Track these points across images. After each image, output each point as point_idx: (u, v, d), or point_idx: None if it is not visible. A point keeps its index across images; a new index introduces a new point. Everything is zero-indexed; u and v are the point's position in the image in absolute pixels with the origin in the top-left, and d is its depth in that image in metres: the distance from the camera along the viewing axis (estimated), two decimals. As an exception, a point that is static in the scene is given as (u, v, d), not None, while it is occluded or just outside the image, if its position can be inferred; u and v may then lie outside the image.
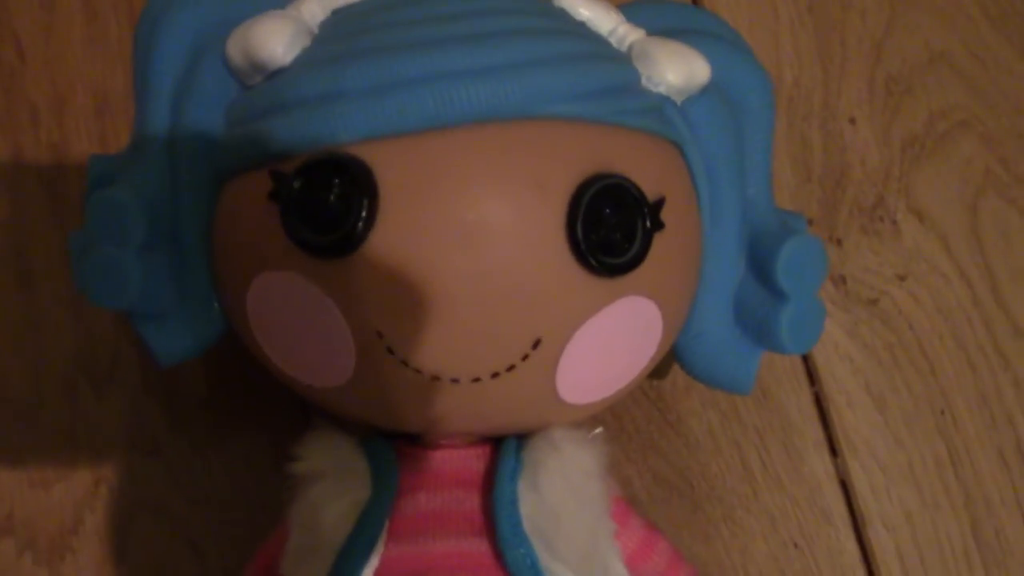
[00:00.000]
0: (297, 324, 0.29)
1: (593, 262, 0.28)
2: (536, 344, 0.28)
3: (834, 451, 0.42)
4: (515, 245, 0.27)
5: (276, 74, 0.30)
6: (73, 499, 0.39)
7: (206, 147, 0.31)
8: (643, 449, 0.41)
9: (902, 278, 0.44)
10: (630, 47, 0.32)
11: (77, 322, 0.40)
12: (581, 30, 0.32)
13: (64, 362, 0.40)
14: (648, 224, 0.29)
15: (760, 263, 0.33)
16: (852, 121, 0.46)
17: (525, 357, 0.28)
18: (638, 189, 0.29)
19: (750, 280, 0.33)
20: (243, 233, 0.30)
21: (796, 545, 0.40)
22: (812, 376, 0.43)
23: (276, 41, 0.29)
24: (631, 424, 0.41)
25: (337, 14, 0.31)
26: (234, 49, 0.30)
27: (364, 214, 0.27)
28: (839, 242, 0.44)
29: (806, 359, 0.43)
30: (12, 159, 0.42)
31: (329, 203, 0.27)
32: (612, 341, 0.30)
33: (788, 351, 0.33)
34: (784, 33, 0.47)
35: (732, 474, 0.41)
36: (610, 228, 0.28)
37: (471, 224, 0.27)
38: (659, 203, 0.29)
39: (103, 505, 0.39)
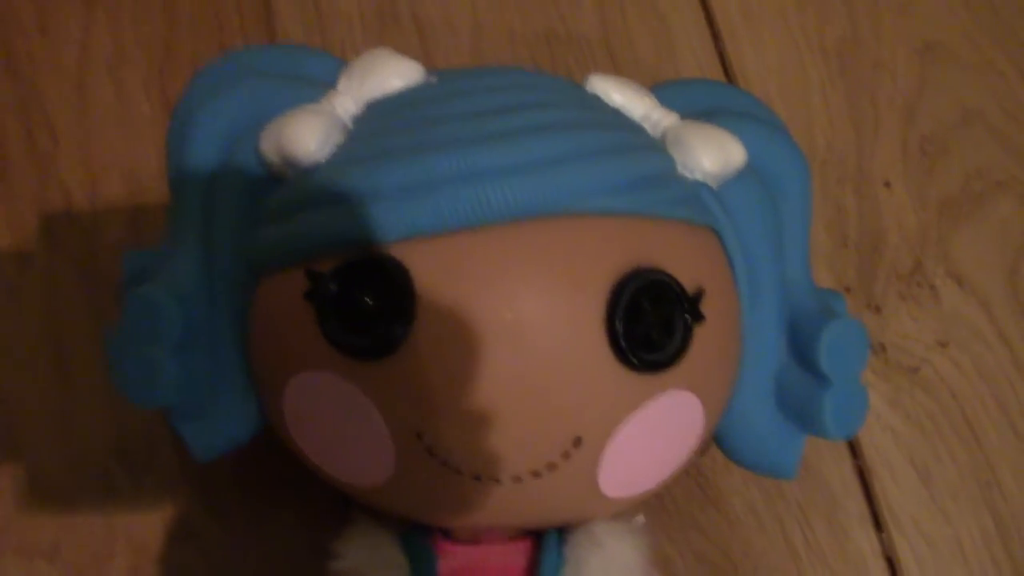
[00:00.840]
0: (335, 424, 0.29)
1: (633, 359, 0.27)
2: (577, 442, 0.28)
3: (879, 526, 0.41)
4: (554, 343, 0.27)
5: (311, 170, 0.30)
6: (111, 590, 0.38)
7: (241, 243, 0.31)
8: (684, 527, 0.40)
9: (943, 344, 0.43)
10: (664, 133, 0.32)
11: (113, 410, 0.40)
12: (615, 119, 0.32)
13: (101, 450, 0.40)
14: (688, 317, 0.28)
15: (802, 347, 0.32)
16: (887, 184, 0.46)
17: (566, 455, 0.28)
18: (677, 283, 0.28)
19: (792, 364, 0.33)
20: (279, 333, 0.30)
21: (843, 625, 0.40)
22: (854, 449, 0.42)
23: (310, 137, 0.30)
24: (671, 502, 0.41)
25: (371, 108, 0.31)
26: (268, 144, 0.30)
27: (402, 316, 0.27)
28: (878, 309, 0.44)
29: (847, 431, 0.42)
30: (46, 243, 0.42)
31: (366, 304, 0.27)
32: (654, 436, 0.29)
33: (832, 436, 0.32)
34: (815, 96, 0.47)
35: (775, 552, 0.40)
36: (650, 324, 0.28)
37: (509, 323, 0.27)
38: (698, 295, 0.29)
39: (141, 596, 0.38)
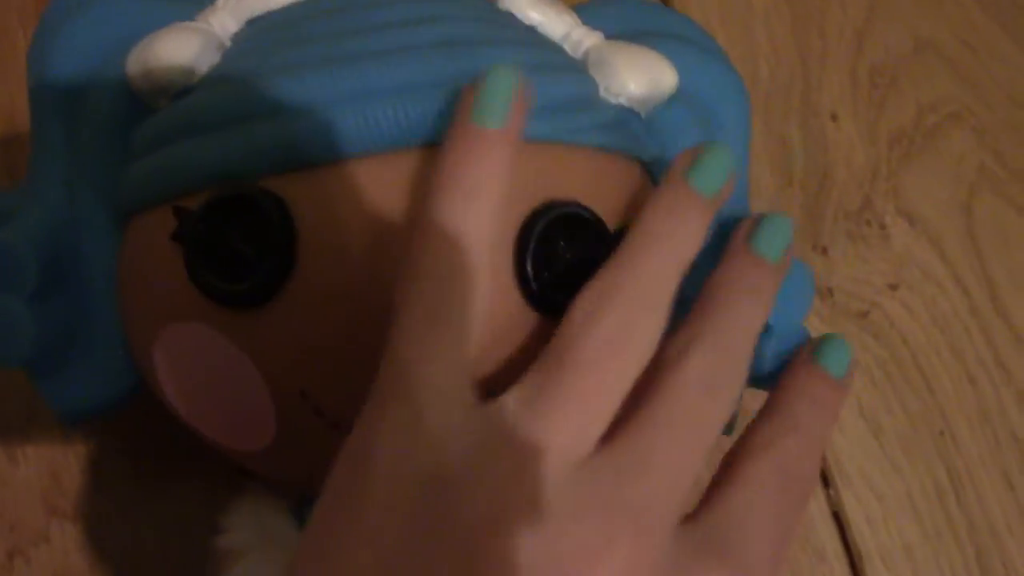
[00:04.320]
0: (209, 382, 0.25)
1: (546, 304, 0.24)
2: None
3: (826, 482, 0.38)
4: None
5: (181, 95, 0.26)
6: (-13, 573, 0.35)
7: (107, 180, 0.27)
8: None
9: (893, 287, 0.41)
10: (586, 54, 0.28)
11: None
12: (529, 37, 0.28)
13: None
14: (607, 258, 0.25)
15: None
16: (834, 118, 0.43)
17: None
18: (597, 218, 0.25)
19: None
20: (146, 279, 0.26)
21: (789, 587, 0.37)
22: (800, 399, 0.39)
23: (181, 57, 0.26)
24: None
25: (252, 25, 0.27)
26: (135, 67, 0.27)
27: (280, 259, 0.23)
28: (824, 251, 0.41)
29: (793, 381, 0.39)
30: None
31: (239, 246, 0.24)
32: None
33: (771, 387, 0.29)
34: (759, 25, 0.44)
35: (716, 512, 0.38)
36: (565, 264, 0.24)
37: None
38: (621, 233, 0.26)
39: (20, 579, 0.35)
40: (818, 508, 0.38)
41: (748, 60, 0.43)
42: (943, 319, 0.40)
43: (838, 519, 0.38)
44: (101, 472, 0.36)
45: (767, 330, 0.28)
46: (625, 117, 0.28)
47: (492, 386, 0.24)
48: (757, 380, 0.29)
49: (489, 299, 0.24)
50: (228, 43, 0.27)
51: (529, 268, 0.24)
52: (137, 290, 0.27)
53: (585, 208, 0.25)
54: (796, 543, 0.37)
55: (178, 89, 0.26)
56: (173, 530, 0.35)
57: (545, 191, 0.25)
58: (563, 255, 0.25)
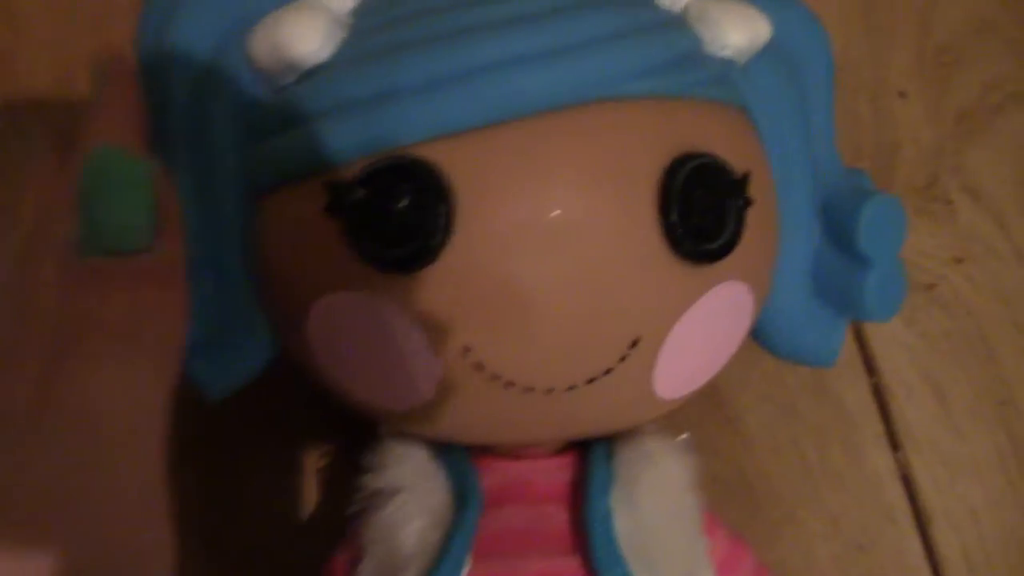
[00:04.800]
0: (371, 347, 0.26)
1: (690, 250, 0.26)
2: (634, 343, 0.26)
3: (895, 446, 0.40)
4: (605, 241, 0.25)
5: (313, 73, 0.27)
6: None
7: (236, 160, 0.28)
8: (699, 449, 0.39)
9: (959, 261, 0.42)
10: (684, 10, 0.29)
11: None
12: None
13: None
14: (739, 203, 0.27)
15: (837, 228, 0.31)
16: (902, 95, 0.44)
17: (623, 358, 0.26)
18: (728, 166, 0.26)
19: (828, 247, 0.31)
20: (296, 254, 0.27)
21: (860, 547, 0.39)
22: (870, 367, 0.41)
23: (311, 35, 0.26)
24: (685, 423, 0.39)
25: (367, 1, 0.28)
26: (260, 47, 0.27)
27: (441, 222, 0.24)
28: (905, 231, 0.42)
29: (863, 348, 0.41)
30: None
31: (399, 212, 0.25)
32: (709, 331, 0.28)
33: (875, 318, 0.31)
34: (829, 1, 0.45)
35: (792, 473, 0.39)
36: (703, 211, 0.26)
37: (556, 222, 0.25)
38: (746, 178, 0.27)
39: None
40: (887, 471, 0.39)
41: (820, 36, 0.44)
42: (1006, 292, 0.42)
43: (906, 482, 0.39)
44: (209, 426, 0.37)
45: (866, 264, 0.30)
46: (728, 69, 0.29)
47: (639, 329, 0.26)
48: (863, 313, 0.30)
49: (636, 250, 0.25)
50: (347, 19, 0.27)
51: (673, 218, 0.25)
52: (286, 264, 0.27)
53: (717, 157, 0.26)
54: (867, 503, 0.39)
55: (308, 68, 0.27)
56: (277, 485, 0.36)
57: (678, 143, 0.26)
58: (700, 202, 0.26)
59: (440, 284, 0.25)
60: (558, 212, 0.25)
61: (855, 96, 0.44)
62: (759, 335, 0.32)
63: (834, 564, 0.38)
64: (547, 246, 0.24)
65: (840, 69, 0.43)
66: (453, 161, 0.25)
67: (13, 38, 0.40)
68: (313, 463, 0.37)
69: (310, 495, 0.37)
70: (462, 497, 0.28)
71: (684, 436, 0.31)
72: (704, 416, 0.39)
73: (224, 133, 0.28)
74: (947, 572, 0.39)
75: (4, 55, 0.39)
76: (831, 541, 0.39)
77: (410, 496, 0.28)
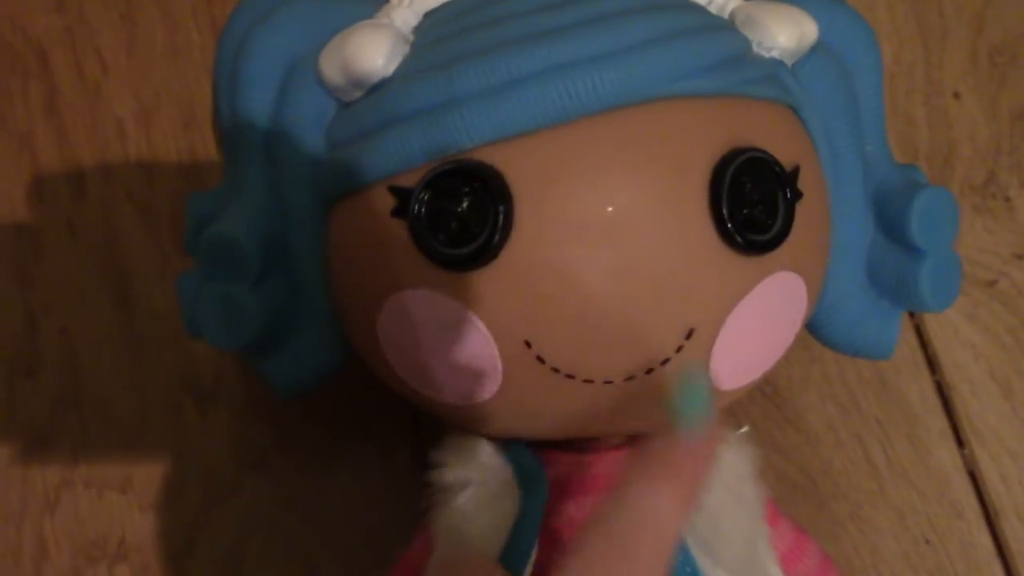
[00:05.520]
0: (437, 343, 0.28)
1: (741, 241, 0.26)
2: (690, 334, 0.27)
3: (960, 441, 0.40)
4: (659, 234, 0.26)
5: (379, 87, 0.29)
6: (184, 521, 0.38)
7: (310, 171, 0.30)
8: (763, 447, 0.39)
9: (1020, 257, 0.42)
10: (732, 14, 0.30)
11: (177, 340, 0.39)
12: (681, 1, 0.30)
13: (167, 381, 0.39)
14: (789, 195, 0.28)
15: (891, 221, 0.31)
16: (957, 96, 0.44)
17: (679, 349, 0.27)
18: (776, 160, 0.27)
19: (881, 239, 0.32)
20: (367, 255, 0.28)
21: (928, 541, 0.39)
22: (932, 364, 0.41)
23: (376, 52, 0.28)
24: (748, 422, 0.39)
25: (430, 17, 0.30)
26: (329, 65, 0.29)
27: (501, 221, 0.26)
28: (957, 222, 0.42)
29: (925, 346, 0.41)
30: (101, 176, 0.41)
31: (461, 213, 0.26)
32: (763, 321, 0.28)
33: (931, 308, 0.32)
34: (881, 6, 0.45)
35: (856, 469, 0.39)
36: (754, 203, 0.27)
37: (611, 218, 0.26)
38: (795, 172, 0.28)
39: (215, 526, 0.38)
40: (953, 465, 0.40)
41: (871, 41, 0.45)
42: (1069, 287, 0.42)
43: (973, 477, 0.39)
44: (286, 429, 0.39)
45: (920, 255, 0.31)
46: (777, 69, 0.30)
47: (694, 320, 0.27)
48: (918, 304, 0.31)
49: (689, 242, 0.26)
50: (411, 36, 0.29)
51: (725, 210, 0.26)
52: (357, 266, 0.29)
53: (765, 151, 0.27)
54: (933, 498, 0.39)
55: (374, 83, 0.29)
56: (350, 480, 0.38)
57: (729, 139, 0.27)
58: (751, 195, 0.27)
59: (501, 281, 0.26)
60: (612, 208, 0.26)
61: (909, 98, 0.44)
62: (816, 329, 0.33)
63: (902, 559, 0.39)
64: (602, 241, 0.26)
65: (894, 72, 0.45)
66: (511, 163, 0.26)
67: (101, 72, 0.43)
68: (389, 463, 0.39)
69: (387, 494, 0.38)
70: (528, 488, 0.29)
71: (744, 429, 0.31)
72: (767, 415, 0.40)
73: (299, 146, 0.30)
74: (1019, 566, 0.38)
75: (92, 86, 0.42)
76: (898, 536, 0.39)
77: (477, 489, 0.29)
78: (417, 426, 0.38)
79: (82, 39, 0.43)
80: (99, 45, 0.43)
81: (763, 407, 0.40)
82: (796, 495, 0.39)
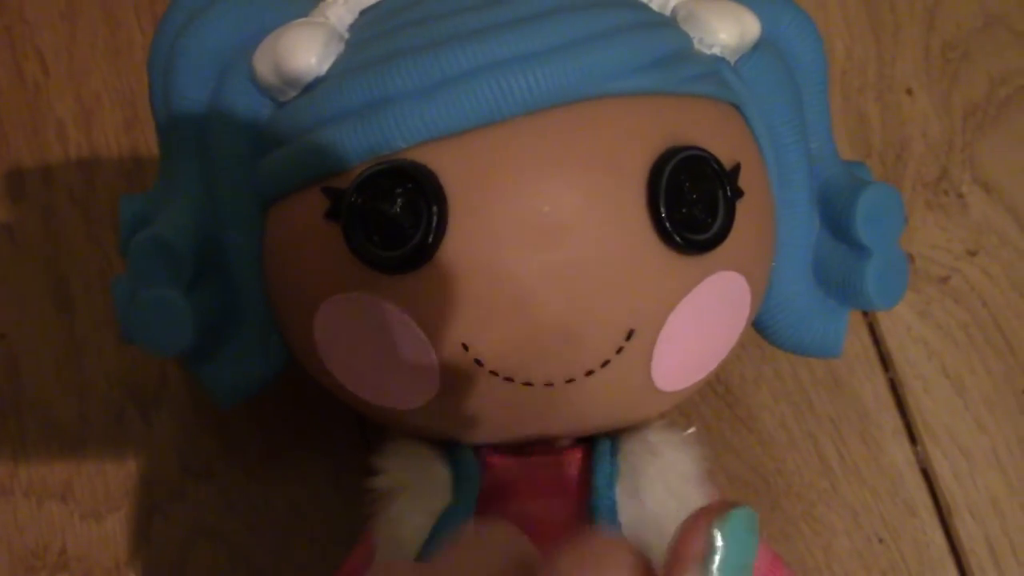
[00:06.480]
0: (373, 347, 0.27)
1: (680, 240, 0.26)
2: (630, 335, 0.26)
3: (913, 439, 0.40)
4: (596, 234, 0.26)
5: (313, 86, 0.28)
6: (127, 529, 0.37)
7: (244, 173, 0.29)
8: (715, 447, 0.39)
9: (972, 253, 0.42)
10: (674, 10, 0.30)
11: (119, 344, 0.38)
12: None
13: (109, 387, 0.38)
14: (729, 193, 0.27)
15: (836, 218, 0.31)
16: (909, 92, 0.44)
17: (619, 350, 0.27)
18: (715, 159, 0.27)
19: (827, 238, 0.32)
20: (301, 259, 0.28)
21: (881, 539, 0.39)
22: (885, 361, 0.41)
23: (309, 51, 0.28)
24: (700, 422, 0.39)
25: (366, 15, 0.29)
26: (262, 65, 0.28)
27: (435, 222, 0.25)
28: (904, 219, 0.42)
29: (878, 343, 0.41)
30: (42, 177, 0.40)
31: (394, 215, 0.26)
32: (704, 322, 0.28)
33: (877, 307, 0.32)
34: (832, 3, 0.45)
35: (809, 468, 0.39)
36: (692, 203, 0.26)
37: (547, 217, 0.25)
38: (735, 170, 0.28)
39: (158, 534, 0.37)
40: (906, 463, 0.39)
41: (823, 37, 0.44)
42: (1021, 282, 0.42)
43: (926, 474, 0.39)
44: (231, 436, 0.38)
45: (866, 253, 0.30)
46: (718, 66, 0.30)
47: (633, 321, 0.26)
48: (865, 302, 0.31)
49: (627, 243, 0.26)
50: (346, 34, 0.29)
51: (662, 209, 0.26)
52: (292, 269, 0.28)
53: (703, 149, 0.27)
54: (886, 496, 0.39)
55: (308, 81, 0.28)
56: (297, 487, 0.37)
57: (666, 137, 0.27)
58: (689, 194, 0.26)
59: (436, 283, 0.26)
60: (548, 208, 0.25)
61: (862, 95, 0.44)
62: (763, 328, 0.33)
63: (855, 558, 0.38)
64: (538, 242, 0.25)
65: (846, 69, 0.44)
66: (445, 163, 0.26)
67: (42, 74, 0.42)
68: (335, 470, 0.38)
69: (334, 502, 0.38)
70: (458, 490, 0.28)
71: (691, 430, 0.31)
72: (719, 414, 0.39)
73: (233, 146, 0.29)
74: (971, 564, 0.38)
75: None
76: (851, 535, 0.39)
77: (412, 493, 0.29)
78: (364, 432, 0.38)
79: (21, 38, 0.42)
80: (39, 44, 0.42)
81: (715, 406, 0.40)
82: (749, 495, 0.39)
